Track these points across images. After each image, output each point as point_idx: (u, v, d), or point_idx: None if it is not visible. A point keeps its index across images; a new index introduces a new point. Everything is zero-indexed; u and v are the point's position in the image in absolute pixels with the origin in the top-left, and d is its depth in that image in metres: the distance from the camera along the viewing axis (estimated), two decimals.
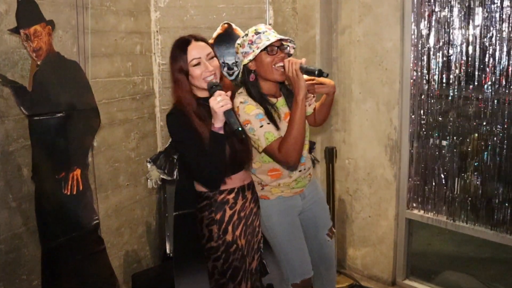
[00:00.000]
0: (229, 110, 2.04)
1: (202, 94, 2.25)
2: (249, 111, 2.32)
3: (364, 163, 3.65)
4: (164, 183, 3.34)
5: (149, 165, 3.07)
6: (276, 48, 2.37)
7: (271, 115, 2.39)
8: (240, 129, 2.01)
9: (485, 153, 3.04)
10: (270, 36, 2.35)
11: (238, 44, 2.45)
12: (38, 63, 2.53)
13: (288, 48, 2.47)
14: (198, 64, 2.18)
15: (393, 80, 3.35)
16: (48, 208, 2.58)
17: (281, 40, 2.38)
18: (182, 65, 2.19)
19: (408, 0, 3.22)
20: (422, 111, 3.31)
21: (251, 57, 2.36)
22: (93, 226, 2.83)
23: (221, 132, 2.09)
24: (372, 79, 3.47)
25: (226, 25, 3.19)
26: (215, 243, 2.30)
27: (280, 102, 2.52)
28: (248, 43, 2.39)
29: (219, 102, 2.02)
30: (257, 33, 2.38)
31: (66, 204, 2.66)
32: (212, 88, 2.11)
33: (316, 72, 2.27)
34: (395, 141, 3.41)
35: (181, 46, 2.21)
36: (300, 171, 2.55)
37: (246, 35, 2.41)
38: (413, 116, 3.35)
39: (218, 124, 2.07)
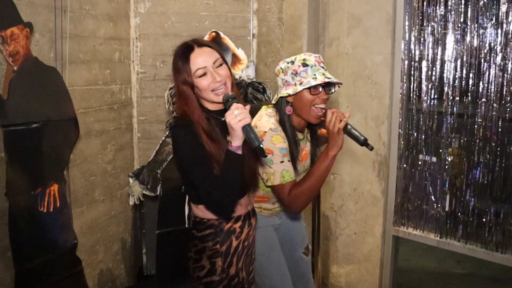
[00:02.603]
0: (248, 125, 1.77)
1: (212, 106, 1.99)
2: (276, 142, 2.13)
3: (350, 179, 3.55)
4: (144, 198, 3.17)
5: (131, 180, 2.90)
6: (321, 88, 2.15)
7: (292, 154, 2.21)
8: (261, 146, 1.75)
9: (476, 170, 3.00)
10: (318, 73, 2.12)
11: (281, 68, 2.22)
12: (15, 68, 2.34)
13: (333, 90, 2.23)
14: (204, 74, 1.91)
15: (383, 94, 3.28)
16: (22, 227, 2.38)
17: (329, 82, 2.15)
18: (185, 77, 1.91)
19: (399, 13, 3.16)
20: (411, 127, 3.24)
21: (291, 91, 2.14)
22: (70, 246, 2.64)
23: (239, 152, 1.83)
24: (361, 93, 3.40)
25: (214, 33, 3.05)
26: (218, 277, 2.04)
27: (304, 139, 2.36)
28: (292, 73, 2.16)
29: (237, 116, 1.75)
30: (304, 65, 2.14)
31: (42, 222, 2.47)
32: (228, 102, 1.84)
33: (361, 141, 2.09)
34: (384, 156, 3.34)
35: (183, 55, 1.93)
36: None
37: (292, 62, 2.18)
38: (401, 132, 3.29)
39: (236, 142, 1.80)
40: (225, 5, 3.65)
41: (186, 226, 2.25)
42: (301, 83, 2.12)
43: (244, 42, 3.68)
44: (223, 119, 1.83)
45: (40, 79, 2.48)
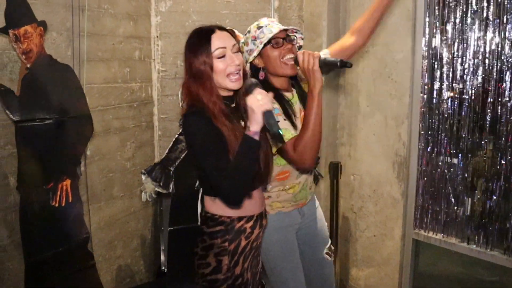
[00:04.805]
0: (270, 111, 1.76)
1: (223, 93, 1.95)
2: None
3: (370, 180, 3.48)
4: (160, 195, 3.19)
5: (143, 177, 2.92)
6: (281, 40, 2.18)
7: (287, 112, 2.20)
8: (281, 132, 1.75)
9: (499, 172, 2.88)
10: (273, 28, 2.17)
11: (242, 42, 2.27)
12: (28, 66, 2.40)
13: (296, 39, 2.29)
14: (223, 56, 1.87)
15: (403, 93, 3.19)
16: (33, 220, 2.44)
17: (285, 30, 2.19)
18: (205, 58, 1.86)
19: (420, 10, 3.06)
20: (432, 127, 3.14)
21: (255, 53, 2.18)
22: (82, 241, 2.68)
23: (256, 137, 1.77)
24: (381, 92, 3.32)
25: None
26: (223, 276, 1.98)
27: (294, 98, 2.33)
28: (252, 40, 2.21)
29: (259, 100, 1.74)
30: (259, 27, 2.20)
31: (53, 216, 2.52)
32: (251, 86, 1.84)
33: (339, 64, 2.06)
34: (404, 157, 3.24)
35: (202, 35, 1.89)
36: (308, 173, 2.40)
37: (249, 31, 2.25)
38: (422, 132, 3.19)
39: (254, 127, 1.76)
40: (246, 3, 3.64)
41: (199, 224, 2.22)
42: (261, 43, 2.16)
43: None
44: (232, 105, 1.85)
45: (53, 76, 2.53)
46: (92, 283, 2.78)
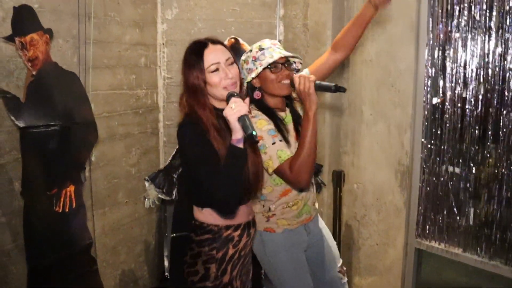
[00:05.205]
0: (243, 115, 1.81)
1: (220, 105, 2.00)
2: (261, 126, 2.18)
3: (373, 188, 3.49)
4: (164, 202, 3.22)
5: (147, 184, 2.95)
6: (280, 65, 2.25)
7: (282, 131, 2.25)
8: (254, 133, 1.77)
9: (501, 182, 2.87)
10: (274, 52, 2.23)
11: (243, 60, 2.33)
12: (33, 73, 2.43)
13: (295, 64, 2.36)
14: (217, 70, 1.96)
15: (406, 102, 3.21)
16: (37, 226, 2.46)
17: (285, 57, 2.25)
18: (198, 73, 1.95)
19: (423, 20, 3.08)
20: (435, 136, 3.14)
21: (253, 74, 2.23)
22: (85, 246, 2.71)
23: (240, 145, 1.84)
24: (384, 101, 3.33)
25: (233, 39, 3.07)
26: (211, 284, 2.03)
27: (288, 117, 2.38)
28: (252, 60, 2.26)
29: (233, 109, 1.81)
30: (261, 49, 2.26)
31: (56, 222, 2.54)
32: (229, 98, 1.91)
33: (333, 88, 2.13)
34: (406, 166, 3.25)
35: (196, 50, 1.99)
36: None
37: (250, 51, 2.30)
38: (425, 141, 3.19)
39: (235, 135, 1.83)
40: (251, 11, 3.67)
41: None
42: (261, 65, 2.21)
43: None
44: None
45: (58, 83, 2.56)
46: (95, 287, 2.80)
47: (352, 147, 3.61)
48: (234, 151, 1.85)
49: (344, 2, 3.49)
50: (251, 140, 1.80)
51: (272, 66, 2.23)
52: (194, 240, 2.06)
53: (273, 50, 2.24)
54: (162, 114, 3.70)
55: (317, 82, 2.14)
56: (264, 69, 2.23)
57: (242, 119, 1.81)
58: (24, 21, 2.37)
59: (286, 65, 2.27)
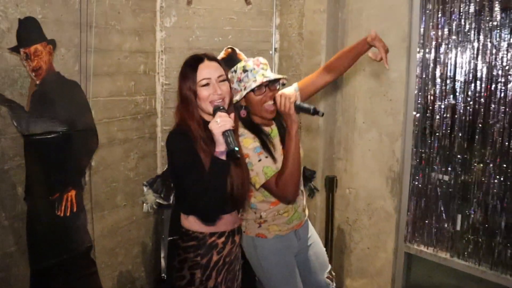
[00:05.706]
0: (228, 130, 1.88)
1: (209, 118, 2.04)
2: (247, 145, 2.24)
3: (365, 194, 3.59)
4: (161, 205, 3.30)
5: (145, 189, 3.03)
6: (264, 87, 2.29)
7: (267, 147, 2.31)
8: (236, 149, 1.84)
9: (488, 189, 2.97)
10: (257, 75, 2.27)
11: (230, 77, 2.35)
12: (37, 82, 2.51)
13: (278, 86, 2.40)
14: (207, 85, 2.03)
15: (397, 111, 3.31)
16: (39, 229, 2.55)
17: (268, 80, 2.28)
18: (191, 84, 2.03)
19: (415, 31, 3.18)
20: (425, 144, 3.25)
21: (238, 97, 2.30)
22: (85, 249, 2.79)
23: (223, 157, 1.90)
24: (377, 109, 3.43)
25: (229, 49, 3.15)
26: None
27: (274, 132, 2.45)
28: (237, 80, 2.32)
29: (218, 123, 1.88)
30: (244, 71, 2.30)
31: (58, 226, 2.62)
32: (215, 112, 1.97)
33: (311, 111, 2.19)
34: (397, 173, 3.35)
35: (192, 63, 2.06)
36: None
37: (235, 71, 2.34)
38: (415, 149, 3.30)
39: (219, 147, 1.90)
40: (248, 20, 3.75)
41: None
42: (245, 88, 2.27)
43: (266, 56, 3.75)
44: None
45: (60, 92, 2.65)
46: None
47: (345, 154, 3.71)
48: (217, 163, 1.92)
49: (339, 13, 3.58)
50: (232, 156, 1.88)
51: (256, 88, 2.27)
52: (180, 246, 2.14)
53: (257, 72, 2.28)
54: (160, 119, 3.78)
55: (297, 103, 2.21)
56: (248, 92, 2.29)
57: (225, 135, 1.89)
58: (29, 32, 2.46)
59: (269, 86, 2.31)
